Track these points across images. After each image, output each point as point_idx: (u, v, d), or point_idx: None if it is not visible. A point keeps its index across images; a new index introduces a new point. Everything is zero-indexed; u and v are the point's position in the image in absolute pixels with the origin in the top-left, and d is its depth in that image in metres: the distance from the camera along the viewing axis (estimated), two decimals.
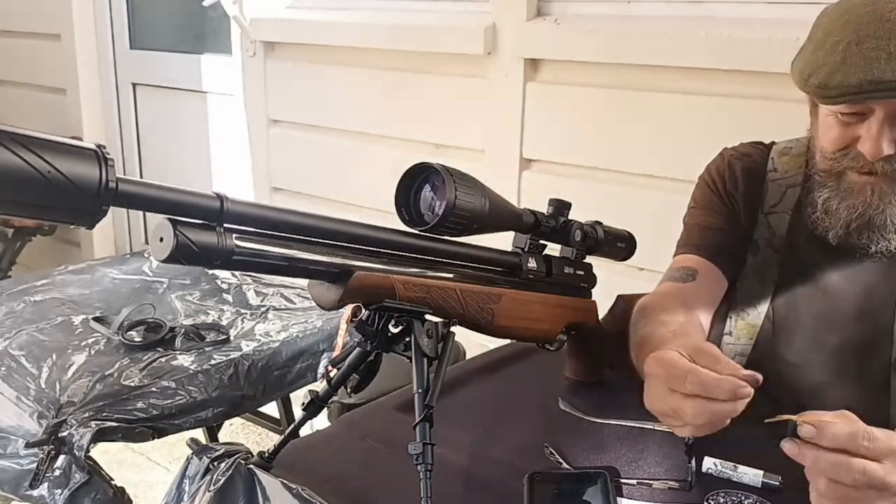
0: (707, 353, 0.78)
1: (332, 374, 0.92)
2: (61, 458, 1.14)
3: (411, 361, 0.84)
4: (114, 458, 2.44)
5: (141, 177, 2.11)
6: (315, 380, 1.52)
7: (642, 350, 0.94)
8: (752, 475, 0.92)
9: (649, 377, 0.80)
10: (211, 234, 0.68)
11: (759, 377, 0.74)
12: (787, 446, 0.72)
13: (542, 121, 1.99)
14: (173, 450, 2.46)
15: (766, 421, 0.73)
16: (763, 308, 1.16)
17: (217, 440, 1.91)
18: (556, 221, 1.05)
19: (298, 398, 1.27)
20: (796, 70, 1.02)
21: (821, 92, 0.97)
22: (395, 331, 0.85)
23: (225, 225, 0.70)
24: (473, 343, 1.90)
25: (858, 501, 0.71)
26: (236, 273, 1.83)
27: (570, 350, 1.18)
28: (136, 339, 1.45)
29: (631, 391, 1.16)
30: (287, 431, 0.96)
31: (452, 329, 0.88)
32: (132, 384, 1.29)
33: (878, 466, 0.69)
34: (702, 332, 1.09)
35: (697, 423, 0.76)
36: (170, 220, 0.66)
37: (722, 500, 0.89)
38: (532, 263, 1.03)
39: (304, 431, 1.01)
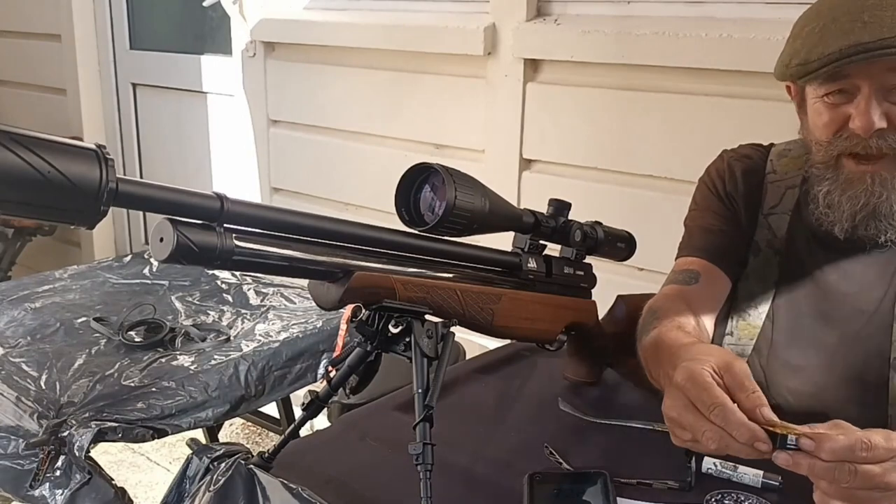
0: (735, 374, 0.76)
1: (332, 375, 0.92)
2: (62, 458, 1.14)
3: (411, 362, 0.84)
4: (114, 458, 2.44)
5: (141, 177, 2.11)
6: (315, 380, 1.52)
7: (659, 350, 0.93)
8: (752, 475, 0.92)
9: (676, 388, 0.78)
10: (211, 235, 0.68)
11: (777, 421, 0.73)
12: (781, 457, 0.72)
13: (542, 121, 1.99)
14: (173, 450, 2.46)
15: (764, 427, 0.73)
16: (764, 309, 1.16)
17: (217, 440, 1.91)
18: (555, 222, 1.05)
19: (298, 398, 1.28)
20: (778, 65, 1.04)
21: (803, 69, 0.98)
22: (395, 331, 0.85)
23: (225, 225, 0.70)
24: (473, 343, 1.91)
25: (861, 500, 0.71)
26: (236, 273, 1.84)
27: (570, 350, 1.18)
28: (137, 340, 1.45)
29: (631, 391, 1.16)
30: (287, 431, 0.96)
31: (452, 329, 0.88)
32: (132, 384, 1.29)
33: (874, 466, 0.69)
34: (707, 337, 1.09)
35: (709, 447, 0.74)
36: (170, 220, 0.66)
37: (722, 500, 0.89)
38: (532, 263, 1.03)
39: (304, 431, 1.01)
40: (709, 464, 0.94)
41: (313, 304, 0.83)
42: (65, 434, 1.15)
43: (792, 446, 0.71)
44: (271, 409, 2.14)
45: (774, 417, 0.73)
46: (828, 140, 1.02)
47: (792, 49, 1.01)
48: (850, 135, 0.99)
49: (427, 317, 0.87)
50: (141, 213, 3.04)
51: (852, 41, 0.92)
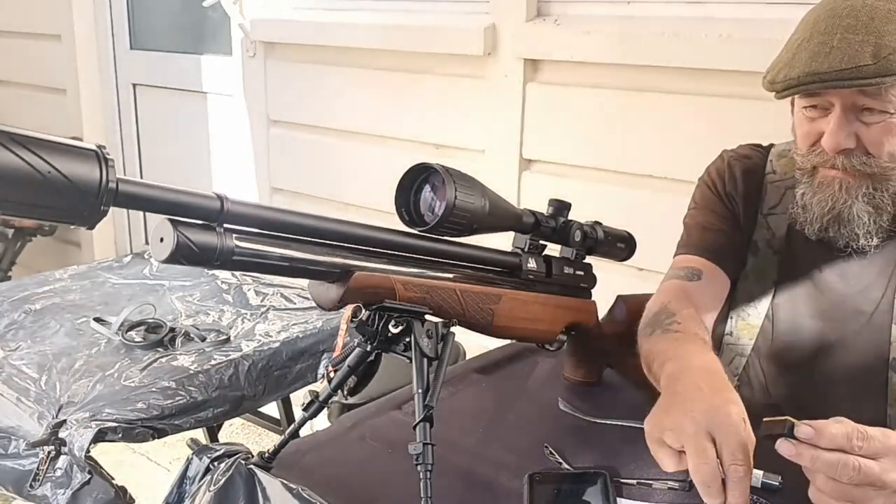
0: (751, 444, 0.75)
1: (332, 375, 0.92)
2: (63, 458, 1.14)
3: (411, 362, 0.84)
4: (114, 458, 2.44)
5: (141, 177, 2.11)
6: (315, 380, 1.52)
7: (659, 363, 0.92)
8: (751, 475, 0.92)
9: (713, 407, 0.75)
10: (211, 235, 0.68)
11: None
12: (784, 446, 0.72)
13: (542, 121, 1.99)
14: (173, 450, 2.46)
15: (765, 420, 0.73)
16: (763, 308, 1.16)
17: (217, 440, 1.91)
18: (555, 222, 1.05)
19: (298, 398, 1.28)
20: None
21: (770, 87, 1.01)
22: (395, 331, 0.85)
23: (225, 225, 0.70)
24: (473, 343, 1.90)
25: (857, 498, 0.71)
26: (236, 273, 1.83)
27: (570, 350, 1.18)
28: (137, 340, 1.45)
29: (631, 391, 1.16)
30: (287, 432, 0.97)
31: (452, 329, 0.88)
32: (132, 384, 1.29)
33: (875, 464, 0.70)
34: (707, 335, 1.09)
35: (695, 476, 0.73)
36: (170, 220, 0.66)
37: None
38: (532, 264, 1.03)
39: (304, 432, 1.01)
40: None
41: (313, 304, 0.83)
42: (65, 434, 1.15)
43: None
44: (271, 409, 2.14)
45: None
46: (804, 152, 1.05)
47: (775, 59, 1.03)
48: (821, 150, 1.02)
49: (427, 317, 0.87)
50: (141, 213, 3.04)
51: (812, 69, 0.94)
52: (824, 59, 0.94)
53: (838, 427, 0.71)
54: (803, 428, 0.71)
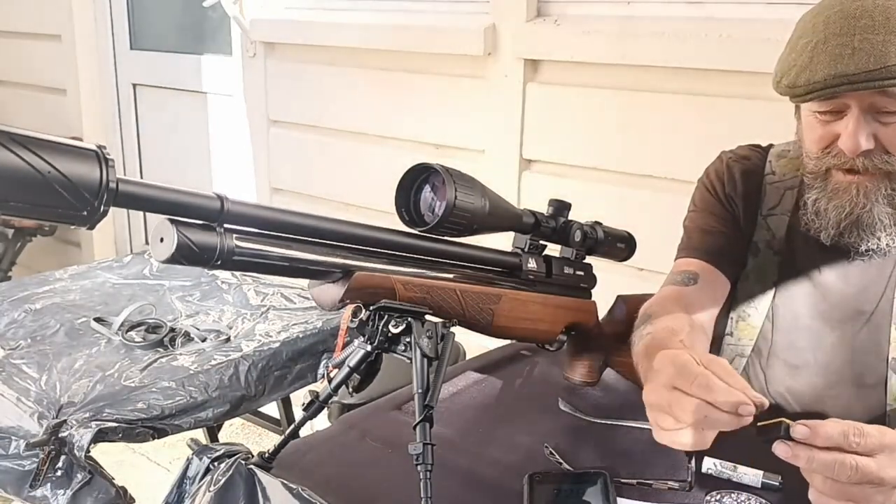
0: (720, 366, 0.77)
1: (332, 375, 0.92)
2: (63, 458, 1.14)
3: (411, 362, 0.84)
4: (114, 458, 2.44)
5: (141, 177, 2.11)
6: (315, 380, 1.52)
7: (648, 355, 0.93)
8: (751, 475, 0.92)
9: (656, 372, 0.79)
10: (211, 235, 0.68)
11: (766, 403, 0.73)
12: (780, 448, 0.72)
13: (542, 121, 1.99)
14: (173, 450, 2.46)
15: (760, 424, 0.73)
16: (763, 309, 1.16)
17: (217, 440, 1.91)
18: (555, 222, 1.05)
19: (298, 398, 1.28)
20: (774, 75, 1.04)
21: (790, 91, 0.99)
22: (396, 331, 0.85)
23: (225, 225, 0.70)
24: (473, 343, 1.91)
25: (856, 496, 0.71)
26: (236, 273, 1.84)
27: (570, 350, 1.18)
28: (137, 340, 1.45)
29: (631, 391, 1.17)
30: (287, 432, 0.97)
31: (452, 329, 0.88)
32: (132, 384, 1.29)
33: (871, 461, 0.70)
34: (706, 339, 1.09)
35: (688, 422, 0.74)
36: (170, 220, 0.66)
37: (722, 500, 0.89)
38: (532, 264, 1.03)
39: (305, 432, 1.01)
40: (709, 464, 0.94)
41: (313, 304, 0.83)
42: (65, 434, 1.15)
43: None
44: (271, 409, 2.14)
45: (761, 396, 0.73)
46: (817, 155, 1.03)
47: (785, 62, 1.01)
48: (838, 152, 1.00)
49: (427, 317, 0.87)
50: (141, 213, 3.04)
51: (838, 71, 0.93)
52: (849, 61, 0.92)
53: (834, 425, 0.71)
54: (799, 428, 0.71)
